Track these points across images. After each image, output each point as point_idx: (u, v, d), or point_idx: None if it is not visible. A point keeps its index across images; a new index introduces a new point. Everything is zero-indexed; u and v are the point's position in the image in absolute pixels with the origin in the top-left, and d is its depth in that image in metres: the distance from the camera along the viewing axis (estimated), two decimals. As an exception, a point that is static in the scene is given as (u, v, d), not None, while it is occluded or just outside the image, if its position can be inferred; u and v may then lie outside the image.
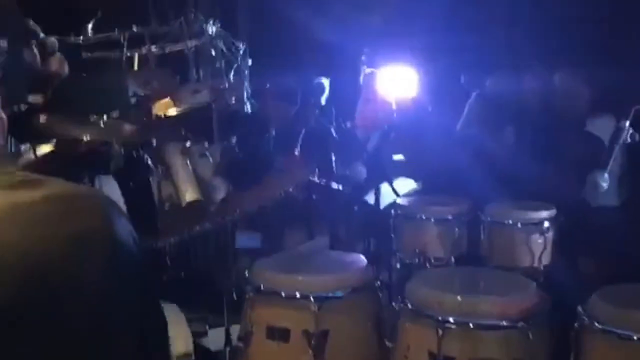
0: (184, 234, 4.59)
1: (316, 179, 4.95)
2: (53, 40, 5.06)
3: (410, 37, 6.38)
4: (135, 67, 6.46)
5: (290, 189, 4.74)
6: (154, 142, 4.87)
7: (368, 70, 6.46)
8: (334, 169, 5.12)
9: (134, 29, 6.57)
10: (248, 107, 6.52)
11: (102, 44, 6.54)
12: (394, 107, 5.70)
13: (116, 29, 6.49)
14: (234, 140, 5.32)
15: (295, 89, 5.37)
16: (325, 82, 6.29)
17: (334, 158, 5.18)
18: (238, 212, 4.33)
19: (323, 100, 6.14)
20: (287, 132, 5.25)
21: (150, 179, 4.89)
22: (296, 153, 5.00)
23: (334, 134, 5.43)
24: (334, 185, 4.98)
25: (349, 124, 5.83)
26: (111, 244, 1.09)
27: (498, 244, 4.72)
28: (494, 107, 5.34)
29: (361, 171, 5.18)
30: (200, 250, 5.39)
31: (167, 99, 5.34)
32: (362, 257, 3.74)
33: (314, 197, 5.00)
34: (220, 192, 5.05)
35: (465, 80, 6.28)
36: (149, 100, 5.16)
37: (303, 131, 5.14)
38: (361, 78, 6.72)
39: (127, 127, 4.41)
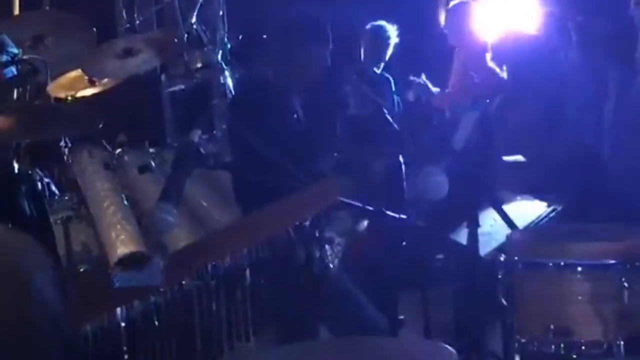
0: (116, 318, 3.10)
1: (354, 201, 3.34)
2: None
3: None
4: (16, 8, 5.08)
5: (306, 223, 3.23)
6: (57, 147, 3.88)
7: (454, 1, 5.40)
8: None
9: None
10: (227, 75, 5.09)
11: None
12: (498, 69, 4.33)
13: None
14: (196, 135, 3.33)
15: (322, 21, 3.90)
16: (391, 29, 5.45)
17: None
18: (212, 267, 3.12)
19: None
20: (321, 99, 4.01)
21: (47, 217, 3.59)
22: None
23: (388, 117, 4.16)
24: (392, 213, 3.32)
25: (411, 95, 4.41)
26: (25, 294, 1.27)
27: None
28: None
29: (441, 184, 3.65)
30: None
31: (77, 70, 4.27)
32: (450, 349, 2.79)
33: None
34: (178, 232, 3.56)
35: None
36: (41, 70, 3.70)
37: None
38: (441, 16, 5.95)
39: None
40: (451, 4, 5.57)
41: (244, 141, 3.70)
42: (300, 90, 3.98)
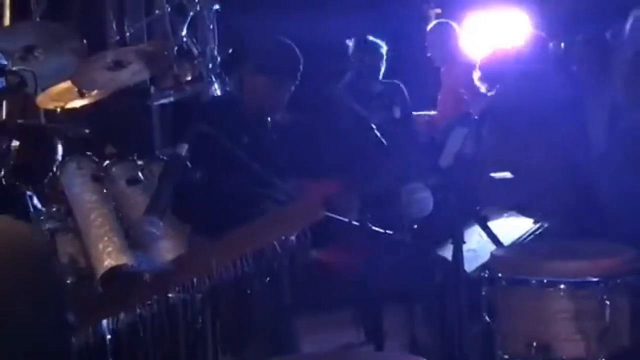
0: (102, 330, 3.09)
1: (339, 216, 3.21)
2: None
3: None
4: (6, 19, 4.97)
5: (292, 237, 3.11)
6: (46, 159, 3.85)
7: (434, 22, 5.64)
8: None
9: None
10: (216, 88, 5.06)
11: None
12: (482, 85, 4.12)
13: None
14: (183, 149, 3.26)
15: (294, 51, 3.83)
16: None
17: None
18: (194, 283, 3.00)
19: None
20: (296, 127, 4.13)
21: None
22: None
23: (377, 133, 4.08)
24: (376, 228, 3.21)
25: (397, 113, 4.28)
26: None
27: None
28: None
29: (425, 201, 3.34)
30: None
31: (66, 82, 4.20)
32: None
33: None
34: (166, 245, 3.58)
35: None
36: (29, 81, 3.75)
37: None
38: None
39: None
40: (429, 26, 5.54)
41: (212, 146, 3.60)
42: (262, 114, 3.88)
